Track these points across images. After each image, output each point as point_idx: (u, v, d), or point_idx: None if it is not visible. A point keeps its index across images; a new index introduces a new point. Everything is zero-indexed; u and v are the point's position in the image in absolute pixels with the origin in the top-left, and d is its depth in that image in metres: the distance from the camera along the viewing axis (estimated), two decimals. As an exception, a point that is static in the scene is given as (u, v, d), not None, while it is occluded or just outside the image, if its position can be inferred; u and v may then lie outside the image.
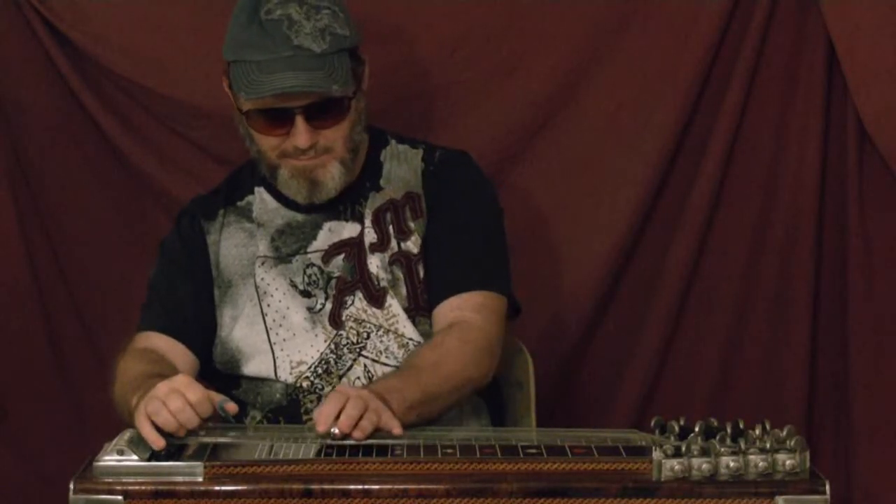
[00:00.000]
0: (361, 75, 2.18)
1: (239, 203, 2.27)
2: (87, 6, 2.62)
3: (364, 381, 2.15)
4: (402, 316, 2.17)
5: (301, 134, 2.10)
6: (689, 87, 2.61)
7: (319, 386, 2.16)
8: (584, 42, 2.64)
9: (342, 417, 1.81)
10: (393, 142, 2.28)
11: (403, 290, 2.19)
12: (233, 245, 2.24)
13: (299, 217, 2.24)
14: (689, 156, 2.65)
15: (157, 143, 2.68)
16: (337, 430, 1.81)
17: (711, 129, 2.62)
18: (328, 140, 2.13)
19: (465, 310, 2.15)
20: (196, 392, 1.82)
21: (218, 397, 1.87)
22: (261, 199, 2.26)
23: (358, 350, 2.17)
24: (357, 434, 1.81)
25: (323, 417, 1.82)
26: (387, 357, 2.16)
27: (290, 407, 2.16)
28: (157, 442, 1.78)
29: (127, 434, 1.81)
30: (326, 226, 2.23)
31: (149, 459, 1.76)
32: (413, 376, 2.00)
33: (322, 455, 1.77)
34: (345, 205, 2.23)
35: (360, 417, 1.82)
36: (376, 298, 2.18)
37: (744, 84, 2.60)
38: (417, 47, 2.64)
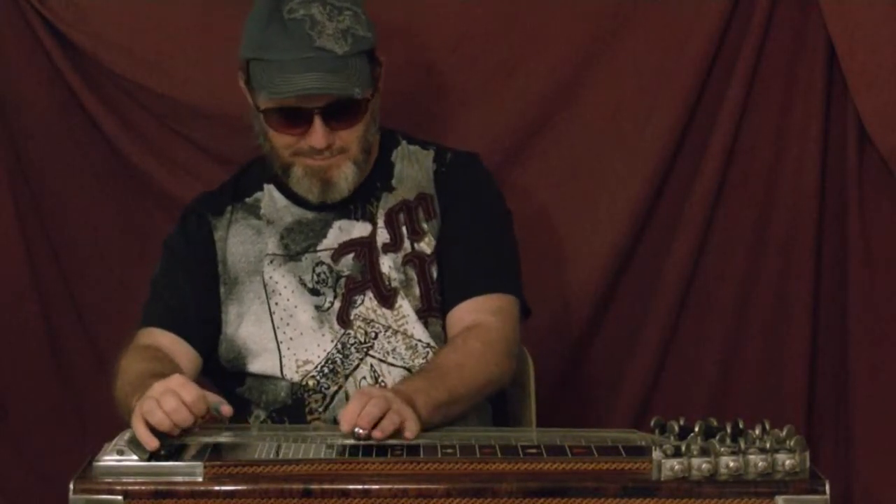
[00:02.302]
0: (378, 76, 2.19)
1: (247, 200, 2.27)
2: (87, 6, 2.62)
3: (370, 380, 2.15)
4: (413, 317, 2.18)
5: (318, 134, 2.11)
6: (689, 87, 2.61)
7: (325, 385, 2.16)
8: (584, 42, 2.64)
9: (361, 415, 1.82)
10: (404, 142, 2.29)
11: (417, 291, 2.19)
12: (239, 242, 2.24)
13: (309, 215, 2.24)
14: (689, 156, 2.65)
15: (157, 143, 2.68)
16: (360, 430, 1.81)
17: (711, 129, 2.62)
18: (344, 141, 2.14)
19: (483, 312, 2.15)
20: (191, 392, 1.83)
21: (214, 399, 1.87)
22: (270, 197, 2.26)
23: (365, 350, 2.17)
24: (377, 433, 1.81)
25: (347, 417, 1.83)
26: (394, 358, 2.17)
27: (295, 406, 2.16)
28: (150, 442, 1.78)
29: (127, 434, 1.81)
30: (336, 224, 2.23)
31: (149, 459, 1.76)
32: (438, 378, 2.01)
33: (322, 455, 1.77)
34: (355, 204, 2.23)
35: (382, 416, 1.83)
36: (387, 298, 2.19)
37: (744, 84, 2.60)
38: (418, 47, 2.64)
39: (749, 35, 2.59)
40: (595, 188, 2.67)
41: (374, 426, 1.82)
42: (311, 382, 2.16)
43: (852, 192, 2.60)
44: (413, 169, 2.26)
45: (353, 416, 1.82)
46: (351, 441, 1.82)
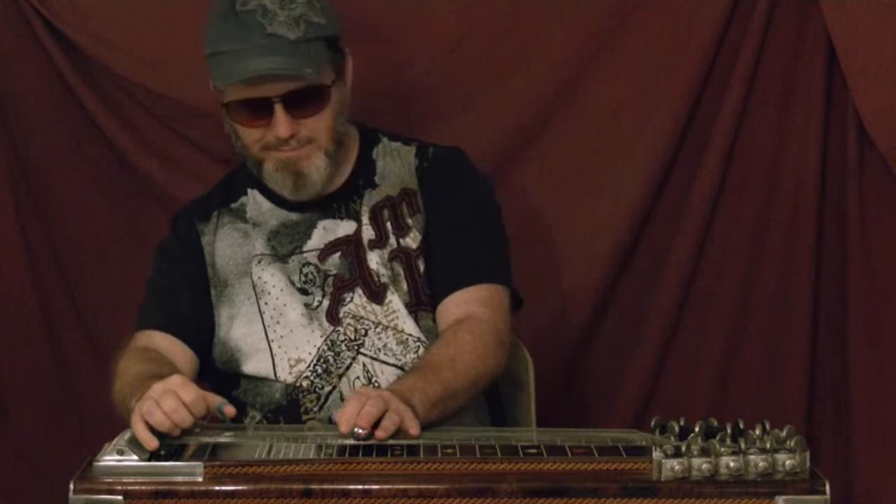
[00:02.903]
0: (342, 65, 2.19)
1: (233, 205, 2.28)
2: (87, 6, 2.62)
3: (363, 380, 2.15)
4: (403, 311, 2.18)
5: (281, 123, 2.11)
6: (689, 87, 2.61)
7: (319, 385, 2.16)
8: (584, 42, 2.64)
9: (361, 414, 1.81)
10: (385, 139, 2.29)
11: (405, 286, 2.19)
12: (227, 245, 2.24)
13: (293, 216, 2.24)
14: (689, 156, 2.65)
15: (157, 143, 2.68)
16: (360, 430, 1.80)
17: (711, 128, 2.62)
18: (310, 130, 2.14)
19: (472, 304, 2.16)
20: (190, 392, 1.83)
21: (216, 400, 1.87)
22: (254, 201, 2.27)
23: (356, 347, 2.17)
24: (380, 433, 1.81)
25: (345, 418, 1.82)
26: (385, 354, 2.17)
27: (290, 407, 2.17)
28: (150, 442, 1.78)
29: (127, 434, 1.81)
30: (321, 224, 2.23)
31: (149, 459, 1.76)
32: (432, 374, 2.01)
33: (322, 455, 1.77)
34: (338, 203, 2.24)
35: (381, 416, 1.82)
36: (376, 294, 2.19)
37: (744, 84, 2.60)
38: (417, 47, 2.64)
39: (749, 35, 2.58)
40: (595, 188, 2.67)
41: (375, 426, 1.82)
42: (304, 383, 2.17)
43: (852, 192, 2.60)
44: (395, 165, 2.26)
45: (352, 416, 1.82)
46: (351, 441, 1.81)
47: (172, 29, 2.63)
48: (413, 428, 1.85)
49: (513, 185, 2.64)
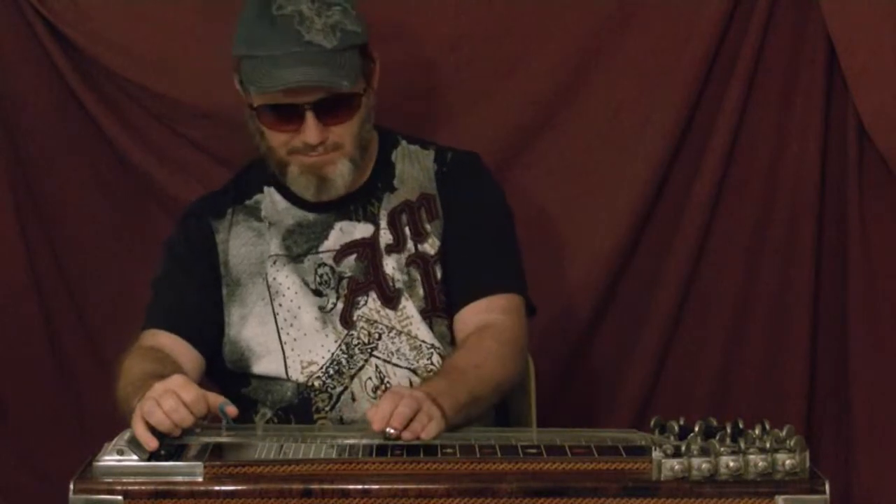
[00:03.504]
0: (371, 72, 2.19)
1: (247, 202, 2.27)
2: (87, 6, 2.62)
3: (375, 381, 2.15)
4: (417, 318, 2.18)
5: (311, 130, 2.10)
6: (689, 87, 2.61)
7: (331, 385, 2.16)
8: (584, 42, 2.64)
9: (394, 415, 1.82)
10: (404, 142, 2.29)
11: (420, 292, 2.19)
12: (241, 244, 2.24)
13: (310, 217, 2.24)
14: (689, 156, 2.65)
15: (157, 143, 2.68)
16: (392, 431, 1.81)
17: (711, 128, 2.62)
18: (338, 136, 2.14)
19: (493, 312, 2.16)
20: (190, 392, 1.83)
21: (217, 399, 1.87)
22: (270, 199, 2.26)
23: (369, 351, 2.17)
24: (406, 434, 1.82)
25: (378, 416, 1.83)
26: (398, 358, 2.17)
27: (301, 406, 2.16)
28: (150, 442, 1.78)
29: (127, 434, 1.81)
30: (338, 226, 2.23)
31: (149, 459, 1.76)
32: (460, 379, 2.01)
33: (323, 454, 1.77)
34: (356, 205, 2.23)
35: (412, 417, 1.83)
36: (390, 299, 2.19)
37: (744, 84, 2.60)
38: (417, 47, 2.64)
39: (749, 35, 2.59)
40: (595, 188, 2.67)
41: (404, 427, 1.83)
42: (316, 383, 2.16)
43: (852, 192, 2.60)
44: (414, 169, 2.26)
45: (386, 415, 1.82)
46: (351, 441, 1.82)
47: (172, 29, 2.63)
48: (427, 432, 1.84)
49: (513, 185, 2.64)
